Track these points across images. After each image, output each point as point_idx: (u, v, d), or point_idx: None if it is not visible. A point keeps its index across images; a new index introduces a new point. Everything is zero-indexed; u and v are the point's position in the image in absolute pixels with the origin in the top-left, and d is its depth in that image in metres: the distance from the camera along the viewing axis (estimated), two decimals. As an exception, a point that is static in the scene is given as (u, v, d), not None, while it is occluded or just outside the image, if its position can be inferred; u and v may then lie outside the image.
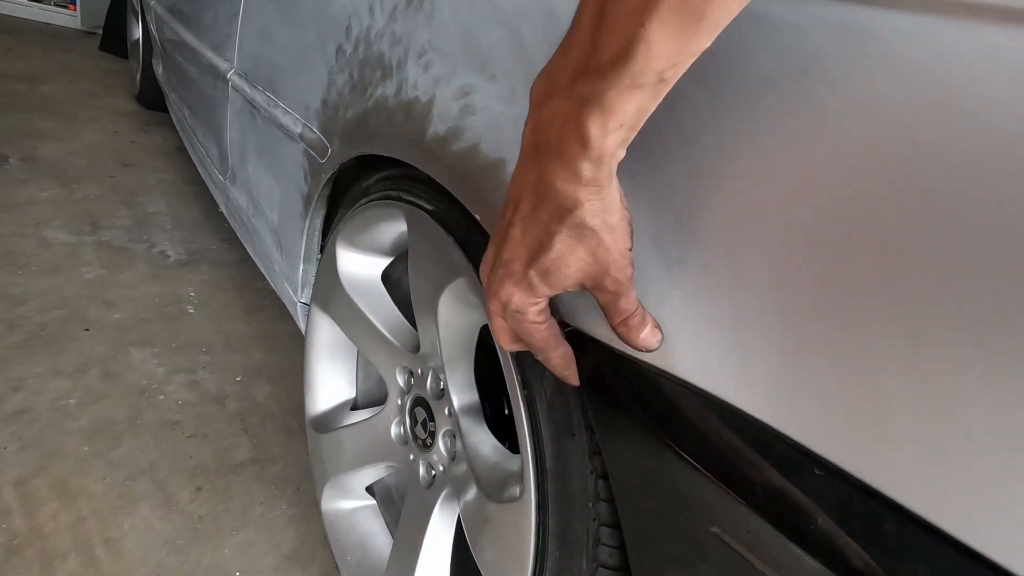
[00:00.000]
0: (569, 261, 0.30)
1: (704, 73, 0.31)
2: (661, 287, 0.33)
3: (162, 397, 1.02)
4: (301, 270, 0.83)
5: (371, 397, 0.81)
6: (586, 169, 0.27)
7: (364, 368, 0.81)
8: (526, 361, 0.42)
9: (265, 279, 1.08)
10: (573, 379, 0.37)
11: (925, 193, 0.24)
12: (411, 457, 0.64)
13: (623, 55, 0.24)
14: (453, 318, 0.54)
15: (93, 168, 1.79)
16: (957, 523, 0.23)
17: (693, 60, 0.25)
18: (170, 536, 0.79)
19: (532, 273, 0.31)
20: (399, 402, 0.66)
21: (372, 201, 0.63)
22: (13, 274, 1.21)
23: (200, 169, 1.47)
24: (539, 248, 0.30)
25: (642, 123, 0.27)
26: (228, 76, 1.07)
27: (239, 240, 1.22)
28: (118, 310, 1.20)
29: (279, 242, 0.90)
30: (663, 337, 0.33)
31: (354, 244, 0.70)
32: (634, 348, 0.32)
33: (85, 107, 2.29)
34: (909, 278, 0.24)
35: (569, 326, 0.37)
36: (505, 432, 0.58)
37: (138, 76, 2.40)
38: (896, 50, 0.26)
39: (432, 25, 0.53)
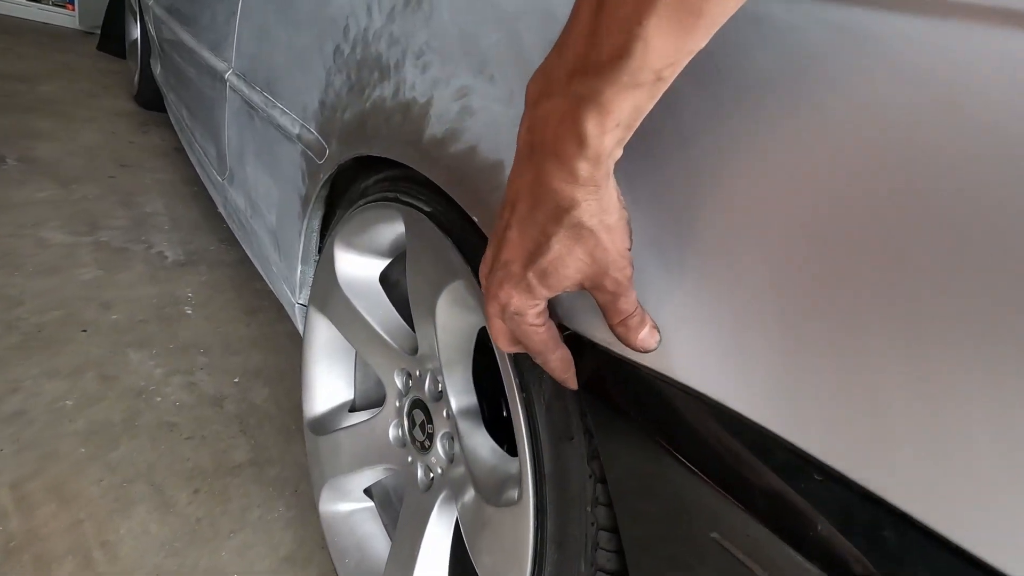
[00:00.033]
0: (567, 262, 0.30)
1: (702, 73, 0.31)
2: (659, 289, 0.33)
3: (159, 399, 1.02)
4: (299, 271, 0.83)
5: (369, 399, 0.81)
6: (583, 169, 0.27)
7: (362, 369, 0.81)
8: (524, 364, 0.42)
9: (263, 280, 1.07)
10: (571, 383, 0.36)
11: (925, 195, 0.24)
12: (409, 459, 0.64)
13: (621, 53, 0.23)
14: (451, 320, 0.54)
15: (91, 168, 1.79)
16: (957, 528, 0.23)
17: (689, 59, 0.25)
18: (167, 539, 0.79)
19: (531, 275, 0.31)
20: (397, 404, 0.66)
21: (370, 202, 0.63)
22: (10, 275, 1.21)
23: (198, 170, 1.46)
24: (537, 249, 0.30)
25: (639, 122, 0.27)
26: (226, 76, 1.06)
27: (237, 241, 1.22)
28: (116, 311, 1.20)
29: (277, 243, 0.90)
30: (661, 338, 0.32)
31: (352, 245, 0.69)
32: (632, 348, 0.32)
33: (83, 107, 2.29)
34: (910, 280, 0.24)
35: (568, 329, 0.37)
36: (503, 435, 0.58)
37: (136, 76, 2.39)
38: (895, 52, 0.26)
39: (430, 26, 0.53)
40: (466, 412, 0.56)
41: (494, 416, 0.60)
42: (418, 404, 0.62)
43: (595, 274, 0.30)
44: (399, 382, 0.65)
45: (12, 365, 0.99)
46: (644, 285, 0.33)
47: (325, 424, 0.79)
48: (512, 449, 0.53)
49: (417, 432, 0.63)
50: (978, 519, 0.23)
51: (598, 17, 0.24)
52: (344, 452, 0.73)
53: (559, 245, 0.29)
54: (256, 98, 0.91)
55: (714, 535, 0.31)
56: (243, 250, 1.21)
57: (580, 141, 0.26)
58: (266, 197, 0.92)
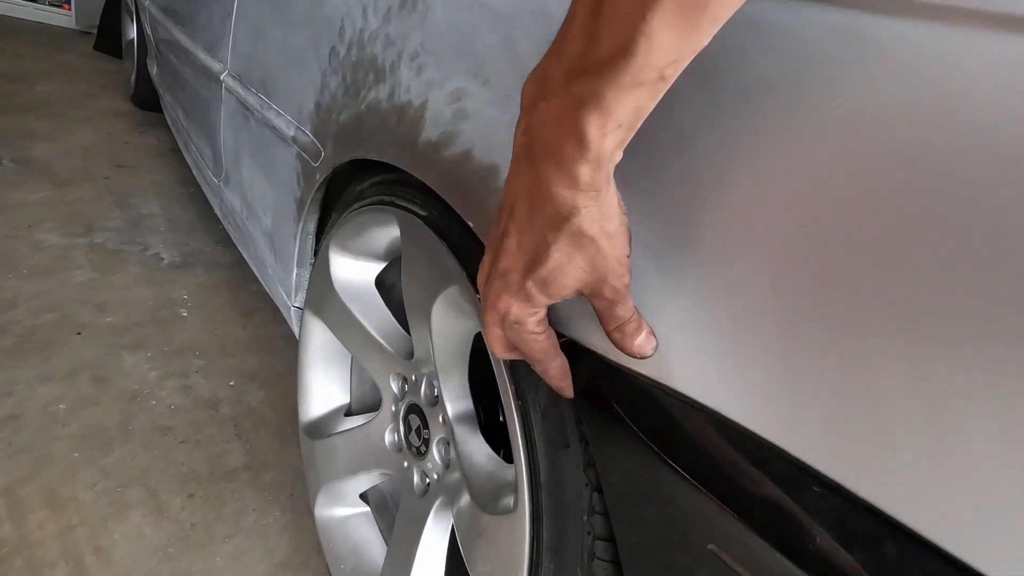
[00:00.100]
0: (567, 270, 0.29)
1: (699, 76, 0.31)
2: (656, 295, 0.32)
3: (154, 402, 1.01)
4: (295, 274, 0.82)
5: (365, 403, 0.81)
6: (584, 173, 0.26)
7: (358, 373, 0.80)
8: (520, 371, 0.42)
9: (260, 282, 1.07)
10: (568, 391, 0.36)
11: (926, 201, 0.24)
12: (405, 464, 0.64)
13: (623, 50, 0.23)
14: (447, 325, 0.53)
15: (87, 169, 1.78)
16: (956, 541, 0.23)
17: (692, 57, 0.24)
18: (161, 544, 0.78)
19: (530, 283, 0.30)
20: (393, 409, 0.65)
21: (365, 206, 0.62)
22: (4, 277, 1.20)
23: (194, 171, 1.46)
24: (536, 258, 0.29)
25: (640, 124, 0.26)
26: (221, 77, 1.06)
27: (233, 243, 1.22)
28: (110, 314, 1.19)
29: (273, 246, 0.90)
30: (657, 344, 0.32)
31: (347, 249, 0.69)
32: (628, 355, 0.32)
33: (79, 107, 2.28)
34: (910, 287, 0.24)
35: (563, 336, 0.37)
36: (500, 440, 0.57)
37: (133, 76, 2.38)
38: (893, 55, 0.25)
39: (425, 28, 0.53)
40: (462, 418, 0.56)
41: (490, 421, 0.59)
42: (414, 409, 0.62)
43: (594, 282, 0.30)
44: (395, 387, 0.65)
45: (5, 368, 0.98)
46: (640, 291, 0.32)
47: (321, 428, 0.78)
48: (508, 455, 0.53)
49: (413, 437, 0.62)
50: (977, 532, 0.23)
51: (598, 14, 0.23)
52: (340, 457, 0.73)
53: (559, 253, 0.29)
54: (251, 99, 0.91)
55: (711, 546, 0.31)
56: (239, 252, 1.20)
57: (580, 143, 0.25)
58: (261, 199, 0.91)
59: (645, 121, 0.26)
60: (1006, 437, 0.22)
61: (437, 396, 0.58)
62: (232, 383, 1.11)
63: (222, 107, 1.07)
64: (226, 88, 1.04)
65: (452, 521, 0.56)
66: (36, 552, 0.73)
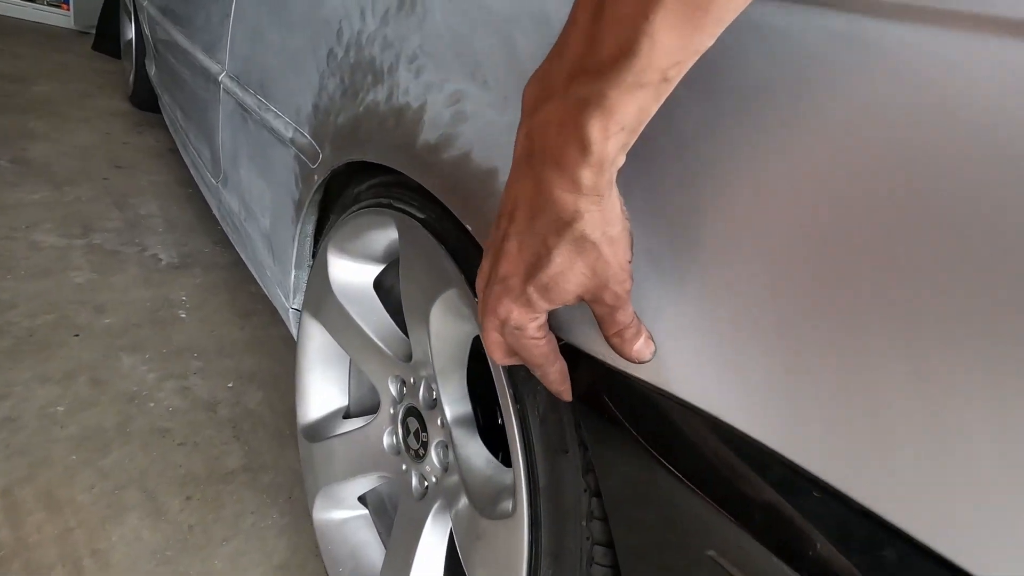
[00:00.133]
0: (569, 276, 0.29)
1: (702, 80, 0.30)
2: (656, 301, 0.32)
3: (152, 404, 1.01)
4: (293, 276, 0.82)
5: (363, 405, 0.80)
6: (586, 176, 0.26)
7: (357, 376, 0.80)
8: (518, 375, 0.41)
9: (258, 283, 1.06)
10: (567, 395, 0.36)
11: (928, 208, 0.24)
12: (403, 467, 0.63)
13: (625, 51, 0.22)
14: (445, 329, 0.53)
15: (85, 170, 1.78)
16: (955, 547, 0.23)
17: (695, 59, 0.24)
18: (159, 546, 0.78)
19: (531, 289, 0.30)
20: (391, 411, 0.65)
21: (363, 208, 0.62)
22: (2, 278, 1.20)
23: (193, 172, 1.45)
24: (537, 263, 0.29)
25: (643, 126, 0.25)
26: (219, 78, 1.05)
27: (232, 243, 1.21)
28: (108, 315, 1.19)
29: (271, 247, 0.89)
30: (656, 349, 0.32)
31: (345, 251, 0.69)
32: (627, 360, 0.32)
33: (77, 108, 2.27)
34: (911, 292, 0.24)
35: (562, 341, 0.37)
36: (499, 443, 0.57)
37: (131, 77, 2.38)
38: (895, 59, 0.25)
39: (423, 30, 0.52)
40: (461, 421, 0.56)
41: (489, 424, 0.59)
42: (412, 412, 0.62)
43: (596, 287, 0.29)
44: (393, 389, 0.65)
45: (3, 370, 0.98)
46: (639, 296, 0.32)
47: (319, 431, 0.78)
48: (507, 459, 0.53)
49: (411, 440, 0.62)
50: (976, 537, 0.22)
51: (600, 15, 0.23)
52: (338, 459, 0.72)
53: (561, 258, 0.28)
54: (250, 101, 0.91)
55: (710, 552, 0.31)
56: (237, 253, 1.20)
57: (582, 146, 0.25)
58: (260, 201, 0.91)
59: (646, 125, 0.26)
60: (1006, 441, 0.22)
61: (435, 399, 0.57)
62: (230, 385, 1.11)
63: (220, 108, 1.07)
64: (224, 89, 1.03)
65: (451, 524, 0.56)
66: (34, 555, 0.73)
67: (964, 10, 0.24)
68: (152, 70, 1.96)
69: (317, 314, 0.75)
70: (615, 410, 0.35)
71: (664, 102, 0.25)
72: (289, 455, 0.99)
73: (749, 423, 0.29)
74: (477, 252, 0.45)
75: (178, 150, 1.81)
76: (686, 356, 0.31)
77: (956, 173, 0.23)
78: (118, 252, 1.41)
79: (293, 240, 0.79)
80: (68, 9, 3.64)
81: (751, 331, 0.28)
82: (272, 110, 0.83)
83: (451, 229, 0.49)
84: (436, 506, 0.58)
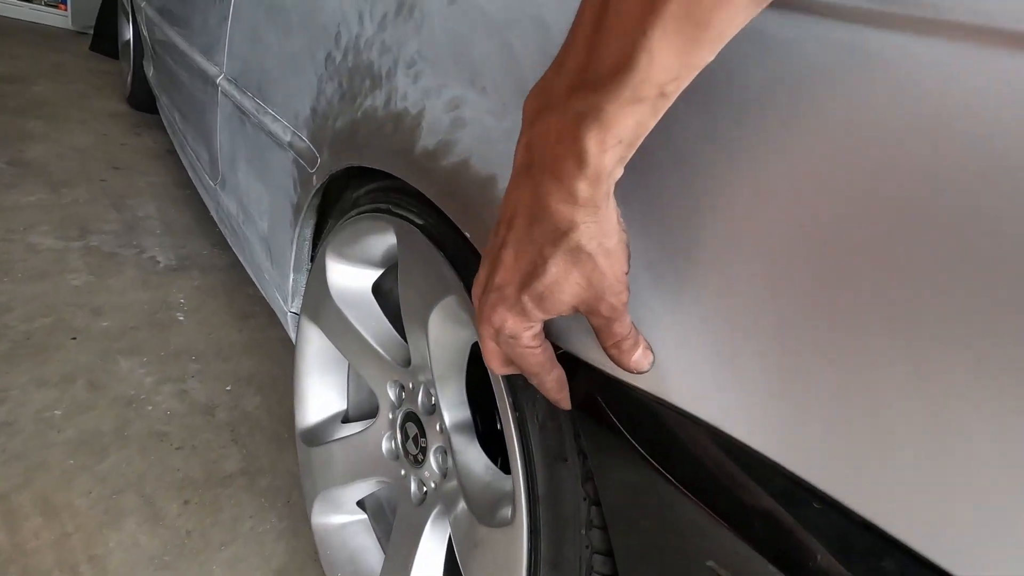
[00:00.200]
0: (564, 286, 0.29)
1: (701, 91, 0.30)
2: (654, 310, 0.32)
3: (150, 407, 1.00)
4: (291, 279, 0.82)
5: (362, 409, 0.80)
6: (583, 189, 0.26)
7: (355, 380, 0.80)
8: (517, 383, 0.41)
9: (256, 285, 1.06)
10: (565, 403, 0.36)
11: (927, 218, 0.24)
12: (402, 472, 0.63)
13: (623, 66, 0.22)
14: (444, 335, 0.53)
15: (82, 171, 1.77)
16: (956, 560, 0.23)
17: (695, 74, 0.24)
18: (157, 552, 0.78)
19: (526, 298, 0.30)
20: (390, 416, 0.65)
21: (362, 213, 0.62)
22: (-2, 281, 1.19)
23: (191, 173, 1.45)
24: (533, 272, 0.29)
25: (641, 140, 0.26)
26: (217, 81, 1.05)
27: (230, 245, 1.21)
28: (106, 318, 1.18)
29: (269, 251, 0.89)
30: (655, 359, 0.32)
31: (344, 256, 0.68)
32: (626, 370, 0.32)
33: (75, 109, 2.27)
34: (913, 304, 0.24)
35: (560, 349, 0.37)
36: (498, 448, 0.57)
37: (129, 78, 2.37)
38: (895, 70, 0.25)
39: (422, 35, 0.52)
40: (459, 427, 0.55)
41: (488, 429, 0.59)
42: (411, 417, 0.62)
43: (591, 299, 0.29)
44: (392, 394, 0.65)
45: (0, 373, 0.97)
46: (638, 306, 0.32)
47: (317, 435, 0.78)
48: (506, 465, 0.53)
49: (410, 445, 0.62)
50: (977, 552, 0.22)
51: (599, 28, 0.23)
52: (337, 464, 0.72)
53: (556, 268, 0.28)
54: (248, 104, 0.90)
55: (710, 563, 0.31)
56: (235, 255, 1.20)
57: (580, 159, 0.25)
58: (258, 204, 0.91)
59: (646, 136, 0.26)
60: (1008, 453, 0.22)
61: (434, 404, 0.57)
62: (228, 388, 1.10)
63: (218, 111, 1.07)
64: (222, 92, 1.03)
65: (449, 530, 0.56)
66: (31, 561, 0.72)
67: (963, 21, 0.24)
68: (150, 71, 1.95)
69: (315, 318, 0.74)
70: (614, 419, 0.34)
71: (665, 113, 0.25)
72: (287, 459, 0.98)
73: (748, 433, 0.29)
74: (476, 259, 0.45)
75: (176, 152, 1.81)
76: (685, 365, 0.31)
77: (956, 185, 0.23)
78: (116, 254, 1.41)
79: (291, 244, 0.79)
80: (66, 9, 3.63)
81: (750, 340, 0.28)
82: (270, 113, 0.83)
83: (450, 235, 0.49)
84: (435, 512, 0.58)
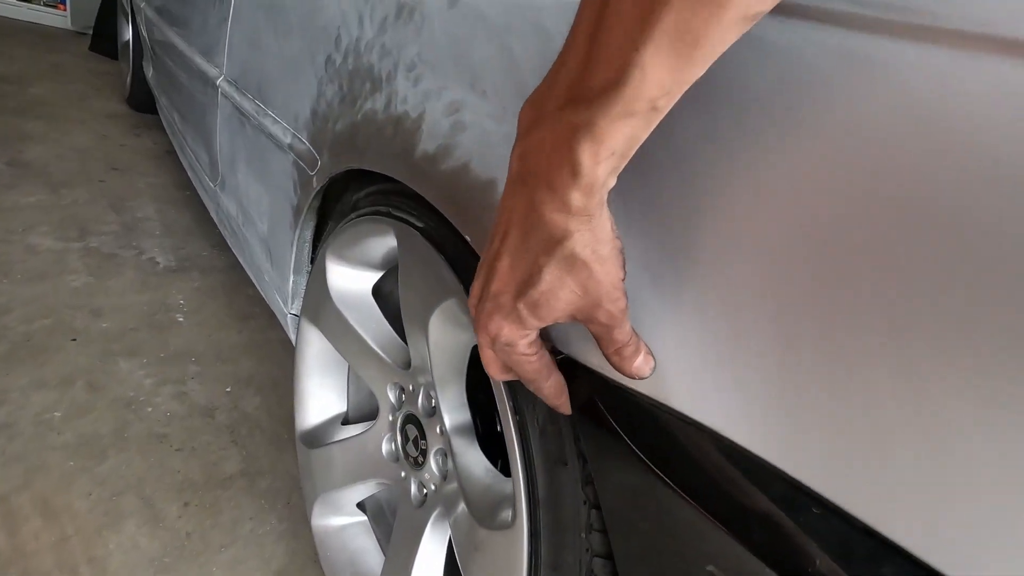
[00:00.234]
0: (559, 294, 0.29)
1: (699, 96, 0.30)
2: (654, 316, 0.32)
3: (150, 409, 1.00)
4: (291, 281, 0.82)
5: (362, 411, 0.80)
6: (576, 199, 0.26)
7: (355, 382, 0.80)
8: (518, 387, 0.41)
9: (256, 286, 1.06)
10: (565, 408, 0.36)
11: (926, 223, 0.24)
12: (402, 475, 0.63)
13: (616, 81, 0.23)
14: (444, 338, 0.53)
15: (81, 172, 1.77)
16: (957, 566, 0.23)
17: (686, 88, 0.24)
18: (157, 554, 0.78)
19: (521, 306, 0.30)
20: (390, 418, 0.65)
21: (362, 216, 0.62)
22: (-2, 282, 1.19)
23: (190, 175, 1.45)
24: (528, 280, 0.29)
25: (633, 151, 0.26)
26: (217, 82, 1.05)
27: (230, 247, 1.21)
28: (105, 319, 1.18)
29: (269, 252, 0.89)
30: (656, 364, 0.32)
31: (344, 258, 0.68)
32: (627, 376, 0.32)
33: (74, 109, 2.26)
34: (913, 308, 0.24)
35: (561, 354, 0.37)
36: (498, 451, 0.57)
37: (128, 78, 2.37)
38: (893, 76, 0.25)
39: (422, 38, 0.52)
40: (460, 429, 0.56)
41: (488, 431, 0.59)
42: (411, 419, 0.62)
43: (588, 306, 0.30)
44: (392, 396, 0.65)
45: (-1, 375, 0.97)
46: (639, 311, 0.32)
47: (317, 437, 0.78)
48: (506, 467, 0.53)
49: (410, 448, 0.62)
50: (978, 557, 0.22)
51: (593, 44, 0.23)
52: (337, 466, 0.72)
53: (550, 276, 0.29)
54: (248, 105, 0.90)
55: (710, 568, 0.31)
56: (235, 256, 1.20)
57: (573, 171, 0.25)
58: (257, 205, 0.91)
59: (646, 139, 0.26)
60: (1008, 458, 0.22)
61: (435, 407, 0.57)
62: (228, 389, 1.10)
63: (218, 112, 1.07)
64: (222, 93, 1.03)
65: (450, 532, 0.56)
66: (31, 563, 0.72)
67: (960, 29, 0.24)
68: (149, 72, 1.95)
69: (315, 320, 0.74)
70: (614, 423, 0.34)
71: (664, 118, 0.25)
72: (287, 460, 0.98)
73: (749, 437, 0.29)
74: (476, 262, 0.45)
75: (175, 152, 1.81)
76: (685, 370, 0.31)
77: (954, 191, 0.23)
78: (115, 255, 1.41)
79: (291, 245, 0.79)
80: (65, 9, 3.63)
81: (750, 344, 0.28)
82: (270, 115, 0.83)
83: (450, 238, 0.49)
84: (435, 514, 0.58)
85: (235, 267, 1.49)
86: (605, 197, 0.27)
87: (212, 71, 1.10)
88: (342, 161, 0.62)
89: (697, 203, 0.31)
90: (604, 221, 0.28)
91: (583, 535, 0.38)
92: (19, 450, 0.86)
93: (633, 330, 0.31)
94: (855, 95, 0.26)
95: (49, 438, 0.89)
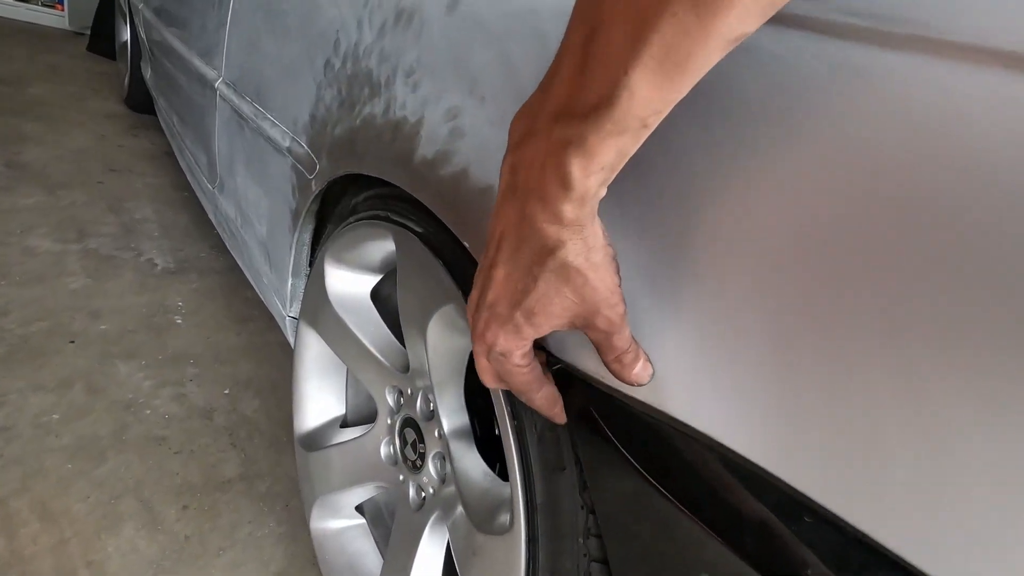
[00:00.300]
0: (554, 301, 0.30)
1: (694, 103, 0.30)
2: (651, 323, 0.32)
3: (148, 412, 1.00)
4: (290, 284, 0.82)
5: (361, 414, 0.80)
6: (568, 211, 0.27)
7: (354, 385, 0.80)
8: (516, 392, 0.42)
9: (255, 288, 1.06)
10: (559, 418, 0.36)
11: (922, 231, 0.24)
12: (401, 478, 0.64)
13: (606, 101, 0.23)
14: (443, 343, 0.53)
15: (79, 173, 1.77)
16: (952, 573, 0.23)
17: (673, 106, 0.25)
18: (155, 557, 0.78)
19: (518, 315, 0.30)
20: (389, 422, 0.65)
21: (360, 220, 0.62)
22: (-4, 284, 1.19)
23: (189, 176, 1.45)
24: (524, 289, 0.30)
25: (623, 164, 0.27)
26: (216, 85, 1.05)
27: (228, 249, 1.21)
28: (104, 321, 1.18)
29: (268, 255, 0.89)
30: (654, 371, 0.32)
31: (343, 261, 0.69)
32: (626, 383, 0.32)
33: (72, 110, 2.26)
34: (912, 316, 0.24)
35: (559, 362, 0.37)
36: (497, 454, 0.57)
37: (126, 79, 2.37)
38: (887, 87, 0.25)
39: (421, 44, 0.52)
40: (458, 433, 0.56)
41: (487, 435, 0.59)
42: (410, 423, 0.62)
43: (586, 313, 0.30)
44: (390, 400, 0.65)
45: (-3, 378, 0.97)
46: (636, 318, 0.32)
47: (316, 440, 0.78)
48: (504, 472, 0.53)
49: (409, 451, 0.62)
50: (976, 567, 0.23)
51: (584, 63, 0.24)
52: (335, 469, 0.72)
53: (545, 285, 0.29)
54: (246, 109, 0.90)
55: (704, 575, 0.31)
56: (233, 258, 1.20)
57: (564, 183, 0.26)
58: (256, 208, 0.91)
59: (640, 147, 0.27)
60: (1006, 470, 0.22)
61: (433, 411, 0.57)
62: (227, 391, 1.10)
63: (216, 115, 1.07)
64: (220, 96, 1.03)
65: (448, 535, 0.56)
66: (29, 567, 0.72)
67: (954, 40, 0.24)
68: (148, 73, 1.95)
69: (314, 323, 0.74)
70: (610, 430, 0.35)
71: (661, 125, 0.26)
72: (286, 463, 0.98)
73: (747, 445, 0.29)
74: (474, 268, 0.45)
75: (173, 153, 1.81)
76: (683, 377, 0.31)
77: (949, 198, 0.23)
78: (113, 257, 1.41)
79: (290, 248, 0.79)
80: (63, 10, 3.62)
81: (747, 351, 0.29)
82: (269, 118, 0.83)
83: (448, 244, 0.49)
84: (434, 517, 0.58)
85: (233, 269, 1.49)
86: (596, 207, 0.28)
87: (210, 73, 1.10)
88: (341, 165, 0.63)
89: (693, 210, 0.31)
90: (596, 229, 0.28)
91: (581, 540, 0.38)
92: (17, 453, 0.86)
93: (632, 337, 0.32)
94: (849, 104, 0.26)
95: (47, 441, 0.89)
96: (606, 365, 0.32)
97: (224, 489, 0.91)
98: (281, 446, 1.01)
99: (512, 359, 0.32)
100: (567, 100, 0.25)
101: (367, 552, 0.75)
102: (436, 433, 0.57)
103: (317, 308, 0.72)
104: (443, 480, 0.58)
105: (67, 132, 2.04)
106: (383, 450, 0.66)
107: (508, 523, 0.44)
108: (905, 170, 0.25)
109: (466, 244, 0.43)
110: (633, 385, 0.32)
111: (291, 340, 0.86)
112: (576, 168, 0.25)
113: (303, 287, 0.80)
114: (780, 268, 0.28)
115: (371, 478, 0.67)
